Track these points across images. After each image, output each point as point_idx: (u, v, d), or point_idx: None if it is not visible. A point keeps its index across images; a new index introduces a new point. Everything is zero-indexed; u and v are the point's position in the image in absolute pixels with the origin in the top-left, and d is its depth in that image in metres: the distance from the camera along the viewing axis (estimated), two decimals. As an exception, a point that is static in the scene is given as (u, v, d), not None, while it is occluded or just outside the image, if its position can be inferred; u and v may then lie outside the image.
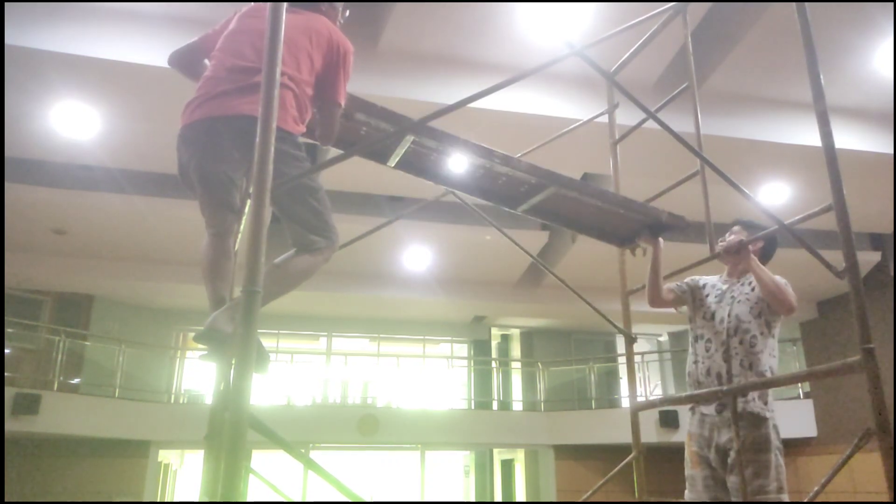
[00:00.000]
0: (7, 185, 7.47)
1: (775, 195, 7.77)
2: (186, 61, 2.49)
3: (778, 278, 2.94)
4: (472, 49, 6.00)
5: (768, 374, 2.93)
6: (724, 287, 3.19)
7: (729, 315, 3.05)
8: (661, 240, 3.21)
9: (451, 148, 2.59)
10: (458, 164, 2.78)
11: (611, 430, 11.02)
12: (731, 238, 3.15)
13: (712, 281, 3.29)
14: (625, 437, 3.27)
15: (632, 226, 3.18)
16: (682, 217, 3.02)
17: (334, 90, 2.34)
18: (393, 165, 2.83)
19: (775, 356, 3.02)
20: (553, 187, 2.77)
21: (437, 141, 2.55)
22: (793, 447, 11.01)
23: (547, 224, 9.25)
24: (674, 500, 3.08)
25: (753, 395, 2.87)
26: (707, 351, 3.08)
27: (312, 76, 2.28)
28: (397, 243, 9.56)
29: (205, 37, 2.48)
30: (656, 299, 3.23)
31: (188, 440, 10.56)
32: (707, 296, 3.22)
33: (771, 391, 2.95)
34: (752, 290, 3.05)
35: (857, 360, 2.06)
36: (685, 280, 3.33)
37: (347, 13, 2.70)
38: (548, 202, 2.96)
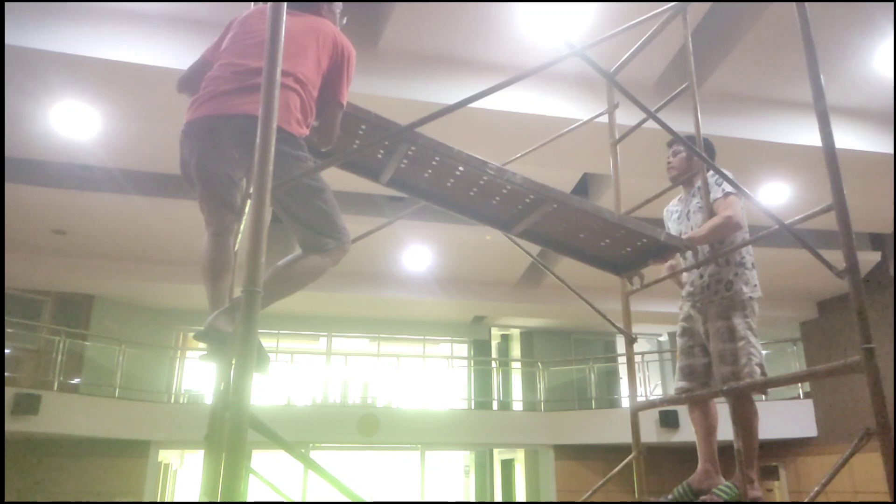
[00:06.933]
0: (7, 185, 7.47)
1: (775, 195, 7.77)
2: (195, 85, 2.35)
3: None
4: (472, 49, 5.99)
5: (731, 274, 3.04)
6: (681, 207, 3.38)
7: (691, 230, 3.21)
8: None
9: (446, 158, 2.50)
10: (452, 183, 2.68)
11: (611, 430, 11.03)
12: (680, 157, 3.34)
13: (671, 208, 3.48)
14: (625, 437, 3.27)
15: (630, 254, 3.04)
16: (679, 237, 3.05)
17: (337, 91, 2.33)
18: (385, 183, 2.77)
19: (743, 254, 3.09)
20: (549, 205, 2.63)
21: (433, 151, 2.46)
22: (793, 447, 11.01)
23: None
24: (673, 500, 3.07)
25: (729, 276, 3.04)
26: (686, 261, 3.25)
27: (319, 77, 2.27)
28: (397, 243, 9.56)
29: (205, 53, 2.44)
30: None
31: (188, 440, 10.57)
32: (669, 225, 3.43)
33: (748, 273, 3.07)
34: (702, 197, 3.20)
35: (857, 359, 2.06)
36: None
37: (346, 20, 2.68)
38: (543, 225, 2.84)
